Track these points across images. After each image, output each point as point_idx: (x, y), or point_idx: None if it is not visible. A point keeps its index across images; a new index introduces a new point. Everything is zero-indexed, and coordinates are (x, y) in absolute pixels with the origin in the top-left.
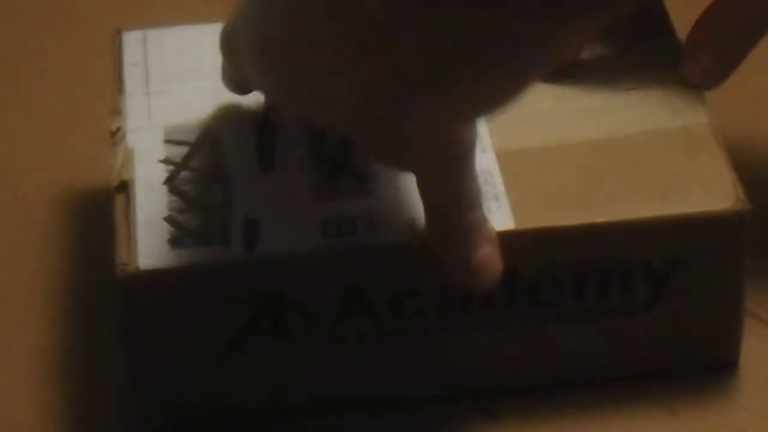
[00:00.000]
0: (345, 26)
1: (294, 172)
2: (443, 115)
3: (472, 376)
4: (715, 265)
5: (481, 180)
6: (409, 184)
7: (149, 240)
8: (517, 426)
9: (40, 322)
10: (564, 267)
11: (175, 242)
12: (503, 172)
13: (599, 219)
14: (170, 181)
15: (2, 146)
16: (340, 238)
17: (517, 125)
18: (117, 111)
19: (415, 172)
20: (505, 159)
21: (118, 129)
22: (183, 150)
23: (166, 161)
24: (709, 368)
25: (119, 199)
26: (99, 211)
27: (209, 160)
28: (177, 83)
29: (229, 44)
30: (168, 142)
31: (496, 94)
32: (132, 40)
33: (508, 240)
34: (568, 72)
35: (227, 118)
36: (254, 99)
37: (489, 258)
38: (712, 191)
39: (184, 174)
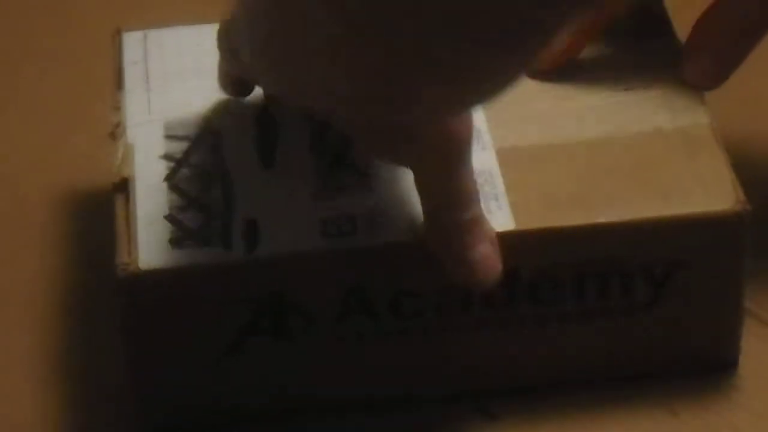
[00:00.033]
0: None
1: (294, 168)
2: (435, 104)
3: (472, 376)
4: (714, 266)
5: (481, 180)
6: (409, 179)
7: (150, 240)
8: (517, 426)
9: (40, 322)
10: (564, 267)
11: (175, 242)
12: (503, 172)
13: (599, 219)
14: (170, 179)
15: (2, 146)
16: (340, 238)
17: (517, 124)
18: (117, 107)
19: (411, 168)
20: (504, 158)
21: (119, 124)
22: (183, 145)
23: (167, 157)
24: (709, 368)
25: (119, 197)
26: (99, 211)
27: (209, 156)
28: (177, 82)
29: (227, 40)
30: (168, 137)
31: (487, 83)
32: (132, 40)
33: (509, 240)
34: (568, 71)
35: (227, 112)
36: (254, 94)
37: (488, 257)
38: (712, 192)
39: (184, 171)
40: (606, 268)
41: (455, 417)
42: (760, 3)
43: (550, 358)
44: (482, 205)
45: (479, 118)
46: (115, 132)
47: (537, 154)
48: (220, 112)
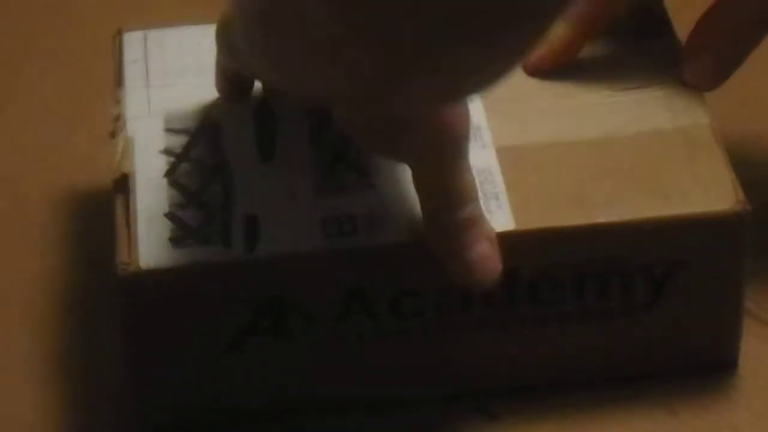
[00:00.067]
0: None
1: (294, 163)
2: (432, 95)
3: (472, 376)
4: (714, 266)
5: (480, 178)
6: (409, 178)
7: (150, 238)
8: (517, 426)
9: (40, 322)
10: (564, 267)
11: (176, 241)
12: (503, 171)
13: (599, 220)
14: (170, 174)
15: (2, 146)
16: (340, 238)
17: (517, 122)
18: (117, 101)
19: (409, 165)
20: (505, 156)
21: (119, 117)
22: (183, 139)
23: (167, 152)
24: (708, 368)
25: (120, 194)
26: (99, 211)
27: (209, 150)
28: (177, 79)
29: (226, 35)
30: (168, 130)
31: (483, 73)
32: (133, 40)
33: (508, 240)
34: (568, 71)
35: (227, 104)
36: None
37: (486, 257)
38: (711, 192)
39: (184, 166)
40: (606, 268)
41: (455, 417)
42: (760, 3)
43: (550, 358)
44: (482, 204)
45: (479, 115)
46: (115, 126)
47: (537, 153)
48: (219, 104)
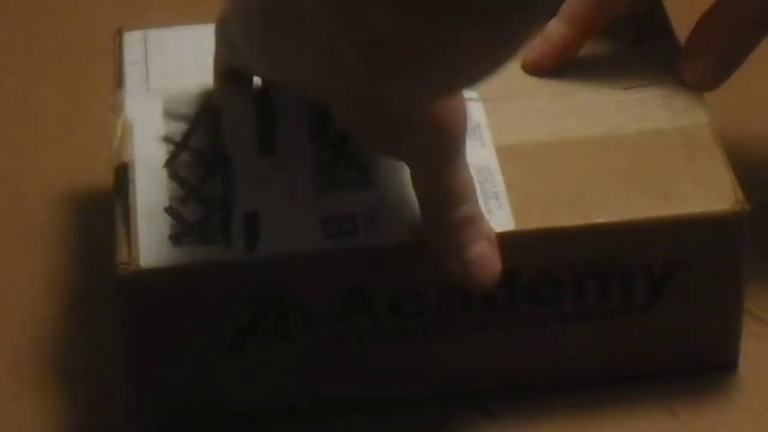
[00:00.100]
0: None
1: (295, 159)
2: (420, 88)
3: (472, 376)
4: (714, 266)
5: (480, 177)
6: (409, 173)
7: (150, 236)
8: (517, 426)
9: (40, 322)
10: (564, 267)
11: (176, 239)
12: (503, 170)
13: (599, 219)
14: (170, 165)
15: (2, 146)
16: (340, 238)
17: (516, 121)
18: (116, 108)
19: (407, 163)
20: (504, 155)
21: (118, 104)
22: (182, 126)
23: (166, 139)
24: (708, 368)
25: (119, 187)
26: (99, 211)
27: (209, 139)
28: (177, 77)
29: (223, 32)
30: (167, 114)
31: (480, 64)
32: (133, 40)
33: (508, 240)
34: (567, 70)
35: (227, 91)
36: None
37: (485, 256)
38: (711, 192)
39: (183, 156)
40: (606, 268)
41: (455, 417)
42: (760, 3)
43: (550, 358)
44: (482, 204)
45: (478, 113)
46: (114, 105)
47: (536, 152)
48: (220, 90)
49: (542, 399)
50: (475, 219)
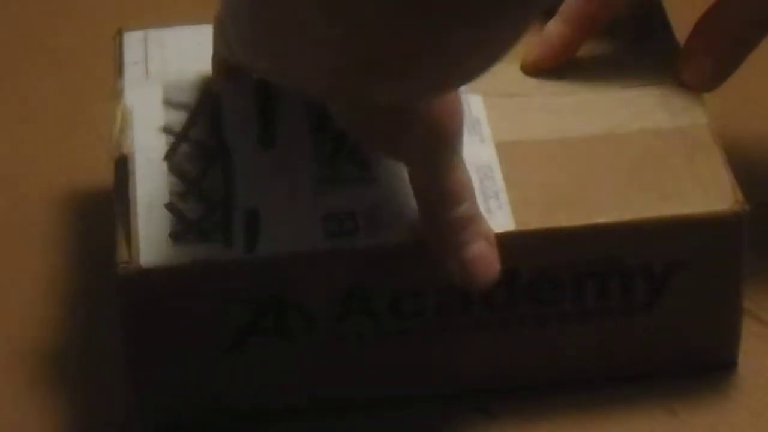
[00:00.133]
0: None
1: (295, 150)
2: (411, 86)
3: (472, 376)
4: (713, 266)
5: (480, 175)
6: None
7: (150, 234)
8: (517, 426)
9: (40, 323)
10: (564, 267)
11: (176, 237)
12: (503, 168)
13: (599, 220)
14: (170, 157)
15: (2, 146)
16: (341, 238)
17: (515, 118)
18: (116, 95)
19: (404, 162)
20: (503, 152)
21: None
22: (182, 116)
23: (166, 129)
24: (708, 368)
25: (119, 180)
26: (99, 211)
27: (209, 131)
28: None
29: (221, 31)
30: (167, 103)
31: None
32: (133, 40)
33: (508, 240)
34: (566, 70)
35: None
36: None
37: (483, 256)
38: (710, 192)
39: (183, 148)
40: (606, 268)
41: (455, 417)
42: (759, 3)
43: (550, 358)
44: (482, 203)
45: (478, 108)
46: (113, 92)
47: (536, 150)
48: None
49: (542, 399)
50: (473, 218)
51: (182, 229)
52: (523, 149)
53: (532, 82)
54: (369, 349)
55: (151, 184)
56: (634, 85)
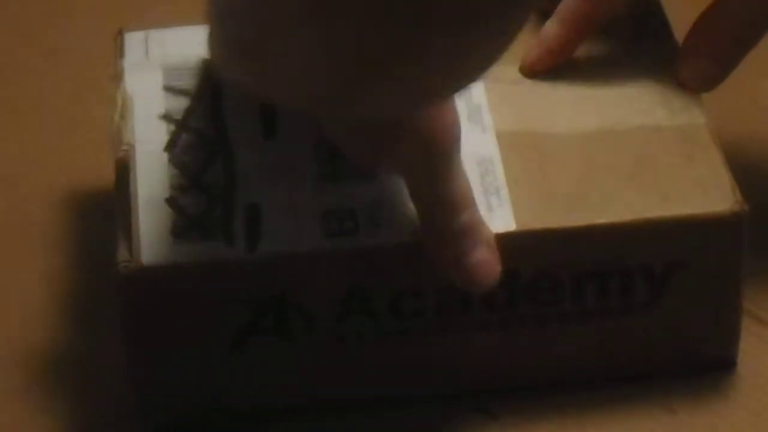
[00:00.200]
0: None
1: (295, 142)
2: (413, 92)
3: (472, 376)
4: (713, 266)
5: (481, 169)
6: None
7: (150, 231)
8: (517, 426)
9: (40, 323)
10: (564, 267)
11: (176, 234)
12: (504, 162)
13: (599, 220)
14: (171, 148)
15: (2, 146)
16: (341, 238)
17: (515, 115)
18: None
19: (400, 175)
20: (505, 143)
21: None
22: (183, 102)
23: (166, 117)
24: (707, 368)
25: (120, 177)
26: (99, 211)
27: (210, 119)
28: None
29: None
30: (168, 89)
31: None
32: (134, 41)
33: (508, 241)
34: (565, 70)
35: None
36: None
37: (484, 262)
38: (710, 193)
39: (184, 138)
40: (606, 268)
41: (455, 417)
42: (759, 3)
43: (550, 358)
44: (483, 200)
45: (480, 95)
46: (114, 75)
47: (537, 144)
48: None
49: (542, 399)
50: (474, 227)
51: (183, 226)
52: (524, 141)
53: (529, 82)
54: (369, 349)
55: (152, 177)
56: (633, 87)
